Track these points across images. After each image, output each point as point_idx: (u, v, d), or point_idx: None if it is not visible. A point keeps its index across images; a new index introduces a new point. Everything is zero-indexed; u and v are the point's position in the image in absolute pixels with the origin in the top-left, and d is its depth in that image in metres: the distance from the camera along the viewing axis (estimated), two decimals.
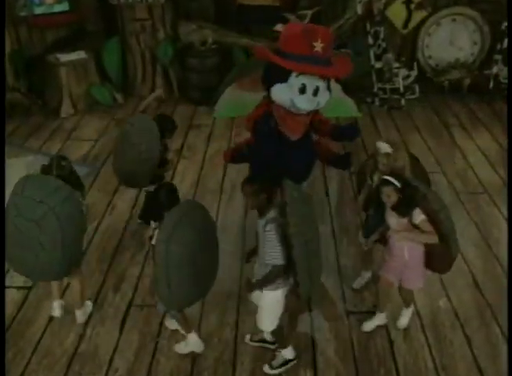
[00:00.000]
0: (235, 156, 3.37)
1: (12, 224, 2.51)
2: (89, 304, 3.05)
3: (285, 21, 5.53)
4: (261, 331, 2.75)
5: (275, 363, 2.73)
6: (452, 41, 6.18)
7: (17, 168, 4.58)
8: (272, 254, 2.30)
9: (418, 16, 6.05)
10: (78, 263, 2.82)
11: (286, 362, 2.73)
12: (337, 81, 5.49)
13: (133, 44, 5.96)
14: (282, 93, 2.84)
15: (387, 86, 5.85)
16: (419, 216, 2.55)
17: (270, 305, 2.49)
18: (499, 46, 5.85)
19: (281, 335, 2.70)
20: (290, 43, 2.78)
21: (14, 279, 3.29)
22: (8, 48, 5.62)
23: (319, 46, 2.68)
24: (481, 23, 6.10)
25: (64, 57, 5.68)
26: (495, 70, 5.88)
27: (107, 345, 2.86)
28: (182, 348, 2.80)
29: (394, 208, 2.56)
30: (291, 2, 6.01)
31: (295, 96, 2.81)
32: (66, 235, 2.47)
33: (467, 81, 6.08)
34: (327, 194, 4.21)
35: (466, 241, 3.71)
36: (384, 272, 2.83)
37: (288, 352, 2.73)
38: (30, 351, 2.81)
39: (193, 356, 2.80)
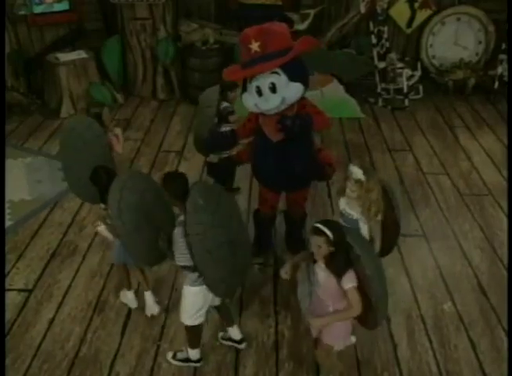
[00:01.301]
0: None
1: None
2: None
3: (287, 20, 5.49)
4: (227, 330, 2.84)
5: (179, 354, 2.75)
6: (456, 40, 6.14)
7: (16, 170, 4.56)
8: (179, 256, 2.39)
9: (422, 15, 6.01)
10: None
11: (187, 360, 2.73)
12: (340, 81, 5.48)
13: (133, 43, 5.92)
14: (247, 101, 2.89)
15: (391, 86, 5.81)
16: (349, 282, 2.20)
17: (187, 299, 2.56)
18: (503, 46, 5.80)
19: (194, 335, 2.69)
20: (241, 54, 2.87)
21: (14, 281, 3.28)
22: (7, 48, 5.59)
23: (255, 46, 2.70)
24: (486, 23, 6.05)
25: (64, 57, 5.64)
26: (500, 70, 5.82)
27: (108, 349, 2.83)
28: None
29: (326, 263, 2.25)
30: (293, 1, 5.97)
31: (256, 100, 2.83)
32: None
33: (472, 82, 6.04)
34: (329, 196, 4.18)
35: (471, 244, 3.69)
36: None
37: (193, 354, 2.72)
38: (30, 355, 2.78)
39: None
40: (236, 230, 2.46)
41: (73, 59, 5.64)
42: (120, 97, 5.94)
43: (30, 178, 4.43)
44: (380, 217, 2.56)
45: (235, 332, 2.85)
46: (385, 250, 2.73)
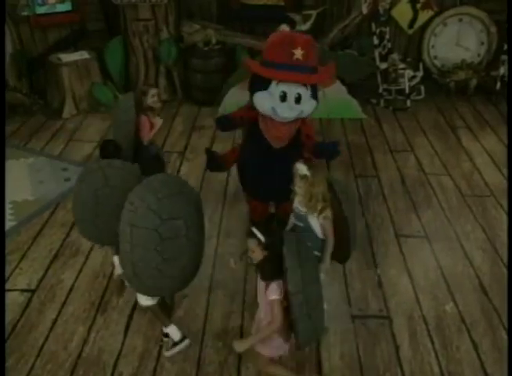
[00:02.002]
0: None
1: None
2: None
3: (290, 21, 5.50)
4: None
5: (166, 344, 2.80)
6: (458, 41, 6.14)
7: (18, 170, 4.58)
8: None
9: (424, 15, 6.01)
10: None
11: (177, 343, 2.77)
12: (342, 82, 5.48)
13: (136, 44, 5.93)
14: (263, 101, 2.84)
15: (393, 87, 5.81)
16: (272, 293, 2.13)
17: None
18: (505, 47, 5.79)
19: (158, 313, 2.72)
20: (271, 52, 2.81)
21: (17, 281, 3.29)
22: (10, 48, 5.60)
23: (298, 54, 2.68)
24: (488, 24, 6.05)
25: (66, 57, 5.65)
26: (502, 70, 5.82)
27: (111, 349, 2.84)
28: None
29: (257, 269, 2.20)
30: (295, 2, 5.98)
31: (276, 104, 2.79)
32: None
33: (474, 82, 6.04)
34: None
35: (473, 245, 3.70)
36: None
37: (172, 331, 2.75)
38: (33, 355, 2.79)
39: (198, 361, 2.78)
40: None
41: (75, 59, 5.66)
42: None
43: (33, 178, 4.45)
44: (329, 213, 2.55)
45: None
46: (342, 250, 2.68)
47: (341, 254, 2.74)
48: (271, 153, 2.96)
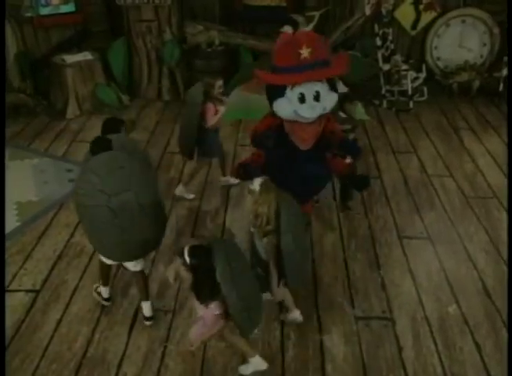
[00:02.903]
0: (239, 173, 3.21)
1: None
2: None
3: (292, 22, 5.50)
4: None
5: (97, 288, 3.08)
6: (461, 42, 6.15)
7: (23, 171, 4.60)
8: None
9: (427, 17, 6.02)
10: None
11: (99, 294, 3.07)
12: (345, 83, 5.48)
13: (139, 45, 5.96)
14: (284, 108, 2.83)
15: (396, 88, 5.82)
16: (215, 310, 2.24)
17: None
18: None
19: (102, 271, 2.98)
20: (279, 57, 2.81)
21: (22, 282, 3.31)
22: (14, 49, 5.63)
23: (305, 52, 2.67)
24: (491, 25, 6.05)
25: (70, 58, 5.68)
26: (504, 72, 5.82)
27: (116, 350, 2.85)
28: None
29: (191, 289, 2.21)
30: (298, 3, 5.99)
31: (297, 107, 2.78)
32: None
33: (477, 84, 6.05)
34: (335, 199, 4.19)
35: (476, 247, 3.70)
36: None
37: (103, 291, 3.04)
38: (38, 355, 2.81)
39: (202, 362, 2.80)
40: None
41: (79, 60, 5.69)
42: (125, 98, 5.97)
43: (37, 179, 4.46)
44: (273, 239, 2.46)
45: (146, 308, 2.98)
46: (288, 276, 2.57)
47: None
48: (298, 156, 2.96)
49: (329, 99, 2.83)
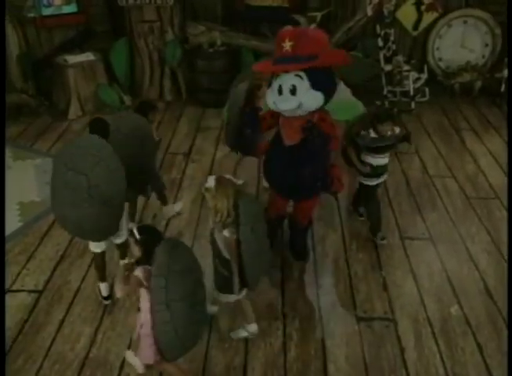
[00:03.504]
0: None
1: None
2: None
3: (294, 23, 5.51)
4: None
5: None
6: (463, 43, 6.14)
7: (25, 171, 4.60)
8: None
9: (429, 17, 6.01)
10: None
11: (105, 298, 3.16)
12: (347, 84, 5.48)
13: (141, 45, 5.97)
14: (268, 97, 2.92)
15: (397, 89, 5.80)
16: (137, 272, 2.25)
17: None
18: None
19: (100, 264, 3.14)
20: (275, 49, 2.90)
21: (25, 282, 3.32)
22: (16, 50, 5.64)
23: (287, 45, 2.73)
24: (493, 25, 6.04)
25: (72, 59, 5.69)
26: (506, 73, 5.82)
27: (118, 350, 2.86)
28: None
29: (138, 264, 2.29)
30: (300, 3, 5.99)
31: (276, 98, 2.86)
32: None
33: (478, 84, 6.05)
34: (337, 199, 4.20)
35: (478, 247, 3.70)
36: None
37: (103, 287, 3.14)
38: (41, 356, 2.82)
39: (204, 362, 2.80)
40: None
41: (81, 61, 5.70)
42: (127, 99, 5.97)
43: (40, 179, 4.47)
44: (232, 229, 2.50)
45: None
46: (247, 267, 2.53)
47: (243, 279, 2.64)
48: (285, 151, 3.00)
49: (309, 96, 2.80)
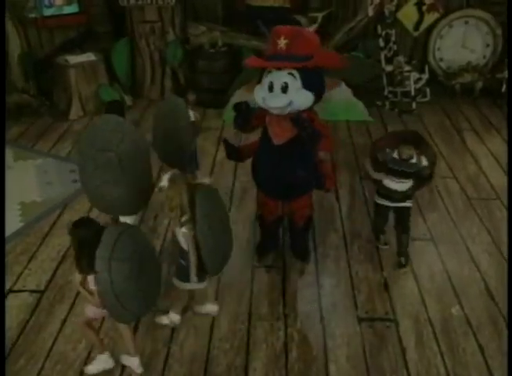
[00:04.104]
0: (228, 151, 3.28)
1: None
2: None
3: (295, 23, 5.52)
4: None
5: None
6: (464, 43, 6.14)
7: (26, 172, 4.61)
8: None
9: (430, 18, 6.01)
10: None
11: None
12: (348, 84, 5.49)
13: (142, 46, 5.97)
14: (257, 93, 2.89)
15: (398, 89, 5.81)
16: (91, 285, 2.37)
17: None
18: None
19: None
20: (267, 47, 2.90)
21: (26, 282, 3.32)
22: (17, 50, 5.65)
23: (282, 43, 2.73)
24: (494, 26, 6.05)
25: (73, 59, 5.70)
26: (507, 73, 5.82)
27: (120, 350, 2.86)
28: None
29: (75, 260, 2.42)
30: (301, 4, 6.00)
31: (265, 95, 2.84)
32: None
33: (479, 85, 6.05)
34: (337, 199, 4.20)
35: (479, 248, 3.70)
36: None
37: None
38: (43, 356, 2.82)
39: (206, 362, 2.81)
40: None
41: (82, 61, 5.70)
42: (128, 99, 5.98)
43: (41, 180, 4.48)
44: (189, 227, 2.54)
45: None
46: (206, 263, 2.64)
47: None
48: (274, 151, 2.97)
49: (300, 96, 2.81)
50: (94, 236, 2.24)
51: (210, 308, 3.10)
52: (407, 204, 3.42)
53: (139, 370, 2.73)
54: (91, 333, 2.70)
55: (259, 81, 2.93)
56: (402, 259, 3.51)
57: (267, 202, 3.34)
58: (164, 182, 2.59)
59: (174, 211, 2.54)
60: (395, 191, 3.31)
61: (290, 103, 2.80)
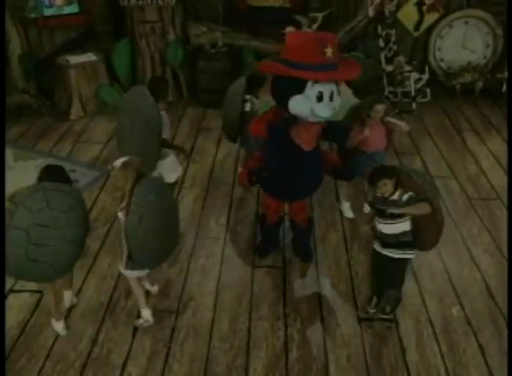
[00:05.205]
0: (252, 179, 3.31)
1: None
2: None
3: (296, 23, 5.52)
4: None
5: None
6: (464, 43, 6.14)
7: (27, 171, 4.60)
8: None
9: (430, 18, 6.01)
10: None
11: None
12: (348, 84, 5.48)
13: (143, 46, 5.97)
14: (301, 105, 2.80)
15: (399, 89, 5.81)
16: None
17: None
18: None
19: None
20: (302, 52, 2.74)
21: (27, 283, 3.31)
22: (18, 50, 5.65)
23: (329, 52, 2.68)
24: (494, 26, 6.04)
25: (74, 59, 5.70)
26: (507, 73, 5.82)
27: (120, 350, 2.87)
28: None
29: None
30: (302, 4, 5.99)
31: (314, 105, 2.77)
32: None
33: (480, 85, 6.05)
34: (338, 200, 4.20)
35: (479, 248, 3.70)
36: None
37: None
38: (43, 356, 2.82)
39: (206, 362, 2.81)
40: None
41: (82, 61, 5.70)
42: None
43: None
44: (123, 214, 2.61)
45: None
46: (132, 253, 2.70)
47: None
48: (302, 157, 2.99)
49: (338, 101, 2.86)
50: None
51: (151, 288, 3.24)
52: (398, 253, 2.83)
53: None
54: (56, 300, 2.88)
55: (298, 92, 2.75)
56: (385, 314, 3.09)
57: (273, 204, 3.36)
58: (118, 162, 2.66)
59: (119, 191, 2.62)
60: (385, 234, 2.81)
61: (334, 110, 2.84)
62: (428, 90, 5.89)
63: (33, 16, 5.63)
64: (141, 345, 2.91)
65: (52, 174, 2.68)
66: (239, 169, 4.39)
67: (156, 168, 3.52)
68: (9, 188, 4.15)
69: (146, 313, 3.01)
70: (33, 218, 2.40)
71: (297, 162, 3.02)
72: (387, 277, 2.96)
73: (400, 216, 2.73)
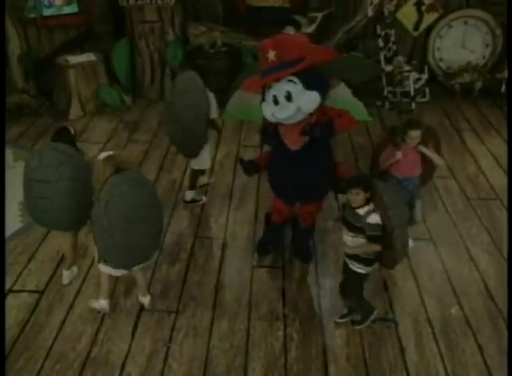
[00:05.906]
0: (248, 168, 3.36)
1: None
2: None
3: (295, 23, 5.52)
4: None
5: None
6: (463, 43, 6.14)
7: None
8: None
9: (429, 18, 6.01)
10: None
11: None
12: (348, 84, 5.48)
13: (142, 46, 5.97)
14: (265, 111, 2.90)
15: (398, 89, 5.81)
16: None
17: None
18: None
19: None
20: (260, 63, 2.90)
21: (26, 283, 3.32)
22: (17, 50, 5.65)
23: (271, 55, 2.74)
24: (494, 26, 6.05)
25: (73, 59, 5.70)
26: (507, 73, 5.82)
27: (119, 350, 2.87)
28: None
29: None
30: (301, 4, 6.00)
31: (273, 109, 2.84)
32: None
33: (479, 85, 6.05)
34: (336, 199, 4.20)
35: (478, 248, 3.70)
36: None
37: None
38: (43, 356, 2.82)
39: (205, 362, 2.81)
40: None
41: (82, 61, 5.71)
42: (128, 99, 5.98)
43: None
44: (97, 202, 2.69)
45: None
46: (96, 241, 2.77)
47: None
48: (291, 156, 3.02)
49: (305, 99, 2.79)
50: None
51: (142, 299, 3.14)
52: (355, 266, 2.75)
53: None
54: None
55: (262, 99, 2.90)
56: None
57: (277, 203, 3.37)
58: (102, 156, 2.77)
59: (100, 182, 2.68)
60: (345, 244, 2.76)
61: (299, 109, 2.79)
62: (427, 90, 5.89)
63: (32, 16, 5.64)
64: (140, 344, 2.91)
65: (59, 135, 3.07)
66: None
67: (203, 147, 3.81)
68: (9, 188, 4.18)
69: (103, 302, 3.05)
70: (31, 176, 2.86)
71: (286, 161, 3.06)
72: (347, 286, 2.95)
73: (354, 230, 2.63)
